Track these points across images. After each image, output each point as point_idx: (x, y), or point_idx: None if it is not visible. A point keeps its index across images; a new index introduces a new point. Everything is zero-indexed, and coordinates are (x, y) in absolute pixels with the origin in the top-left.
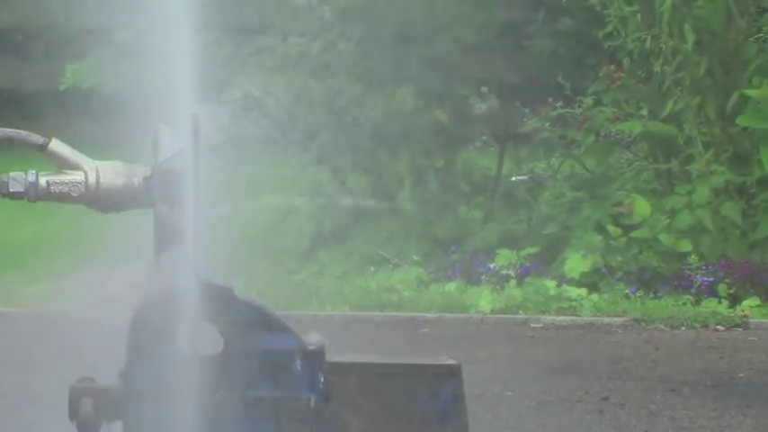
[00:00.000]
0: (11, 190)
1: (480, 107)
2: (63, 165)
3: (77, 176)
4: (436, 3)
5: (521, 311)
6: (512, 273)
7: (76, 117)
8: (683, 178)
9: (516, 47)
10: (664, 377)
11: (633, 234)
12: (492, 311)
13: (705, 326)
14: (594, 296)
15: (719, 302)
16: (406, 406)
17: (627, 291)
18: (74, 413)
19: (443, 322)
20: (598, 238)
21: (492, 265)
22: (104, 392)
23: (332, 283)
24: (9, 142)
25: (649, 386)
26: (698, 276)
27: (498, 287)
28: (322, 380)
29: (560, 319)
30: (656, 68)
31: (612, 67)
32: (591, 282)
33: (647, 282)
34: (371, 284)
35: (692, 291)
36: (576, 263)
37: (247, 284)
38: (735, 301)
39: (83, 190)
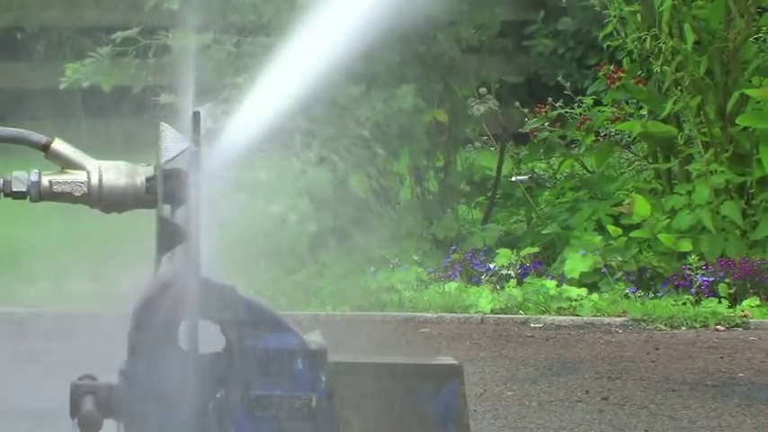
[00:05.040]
0: (13, 189)
1: (479, 108)
2: (65, 164)
3: (80, 176)
4: (436, 3)
5: (521, 311)
6: (512, 273)
7: (77, 116)
8: (682, 178)
9: (516, 47)
10: (664, 377)
11: (633, 234)
12: (492, 311)
13: (705, 326)
14: (594, 296)
15: (719, 302)
16: (407, 406)
17: (627, 291)
18: (75, 411)
19: (443, 322)
20: (598, 238)
21: (492, 265)
22: (105, 390)
23: (332, 283)
24: (10, 142)
25: (649, 386)
26: (698, 276)
27: (498, 287)
28: (324, 379)
29: (560, 319)
30: (656, 68)
31: (612, 66)
32: (591, 282)
33: (647, 282)
34: (371, 284)
35: (692, 291)
36: (575, 263)
37: (247, 284)
38: (735, 300)
39: (85, 190)
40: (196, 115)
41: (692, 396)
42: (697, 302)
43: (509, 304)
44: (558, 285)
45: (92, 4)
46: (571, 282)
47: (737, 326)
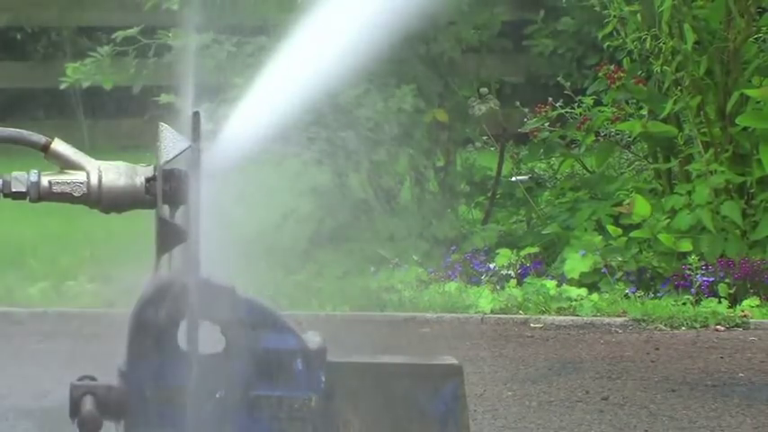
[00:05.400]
0: (13, 190)
1: (480, 108)
2: (65, 165)
3: (79, 176)
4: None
5: (521, 311)
6: (512, 273)
7: (77, 116)
8: (682, 178)
9: (516, 47)
10: (664, 377)
11: (633, 234)
12: (492, 311)
13: (705, 326)
14: (594, 296)
15: (719, 302)
16: (406, 406)
17: (627, 291)
18: (74, 412)
19: (443, 322)
20: (598, 238)
21: (492, 265)
22: (105, 390)
23: (332, 283)
24: (10, 142)
25: (649, 386)
26: (698, 276)
27: (498, 287)
28: (323, 379)
29: (560, 319)
30: (656, 68)
31: (612, 66)
32: (591, 282)
33: (647, 282)
34: (371, 284)
35: (692, 291)
36: (575, 263)
37: (247, 284)
38: (735, 301)
39: (85, 190)
40: (196, 115)
41: (692, 396)
42: (697, 302)
43: (509, 304)
44: (558, 285)
45: (92, 4)
46: (571, 282)
47: (737, 326)
